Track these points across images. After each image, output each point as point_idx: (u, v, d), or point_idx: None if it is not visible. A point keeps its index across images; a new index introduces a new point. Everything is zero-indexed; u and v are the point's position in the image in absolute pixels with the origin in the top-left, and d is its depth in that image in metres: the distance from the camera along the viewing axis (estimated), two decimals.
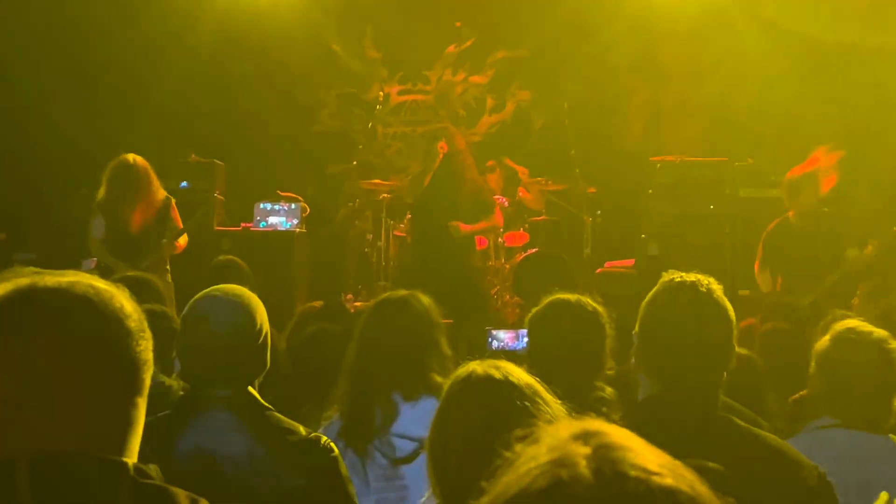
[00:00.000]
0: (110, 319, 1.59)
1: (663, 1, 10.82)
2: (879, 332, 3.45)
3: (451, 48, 12.16)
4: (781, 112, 10.18)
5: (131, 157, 7.41)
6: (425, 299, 3.79)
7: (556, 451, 1.01)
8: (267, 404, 3.08)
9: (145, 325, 1.66)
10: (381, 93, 11.74)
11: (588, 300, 3.62)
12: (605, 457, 0.99)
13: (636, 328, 2.80)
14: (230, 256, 6.39)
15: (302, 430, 3.05)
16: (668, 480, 0.98)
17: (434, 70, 12.25)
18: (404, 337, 3.67)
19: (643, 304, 2.81)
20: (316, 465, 3.00)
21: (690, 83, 11.47)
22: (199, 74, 10.85)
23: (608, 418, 3.00)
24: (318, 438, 3.05)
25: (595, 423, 1.05)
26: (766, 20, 10.11)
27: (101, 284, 1.64)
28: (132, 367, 1.61)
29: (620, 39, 11.50)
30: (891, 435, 3.39)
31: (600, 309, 3.62)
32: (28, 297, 1.57)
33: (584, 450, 1.00)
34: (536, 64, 11.80)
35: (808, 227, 7.64)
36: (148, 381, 1.65)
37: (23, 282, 1.59)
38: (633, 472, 0.97)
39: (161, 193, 7.63)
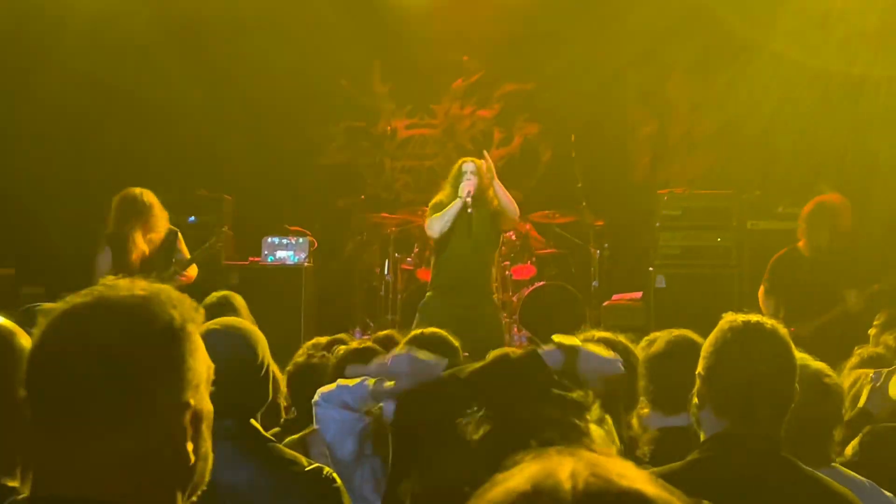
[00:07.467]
0: None
1: (670, 33, 10.83)
2: None
3: (459, 82, 12.19)
4: (789, 144, 10.17)
5: (138, 189, 7.54)
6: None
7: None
8: (269, 436, 3.06)
9: None
10: (389, 126, 11.77)
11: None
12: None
13: (699, 368, 2.78)
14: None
15: (304, 461, 3.02)
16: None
17: (441, 104, 12.28)
18: None
19: (706, 344, 2.80)
20: (319, 497, 2.97)
21: (697, 115, 11.48)
22: (206, 109, 10.86)
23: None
24: (321, 469, 3.02)
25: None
26: (774, 52, 10.12)
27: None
28: None
29: (627, 72, 11.55)
30: None
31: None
32: None
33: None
34: (543, 97, 11.81)
35: (816, 259, 7.61)
36: None
37: None
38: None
39: (167, 226, 7.70)
